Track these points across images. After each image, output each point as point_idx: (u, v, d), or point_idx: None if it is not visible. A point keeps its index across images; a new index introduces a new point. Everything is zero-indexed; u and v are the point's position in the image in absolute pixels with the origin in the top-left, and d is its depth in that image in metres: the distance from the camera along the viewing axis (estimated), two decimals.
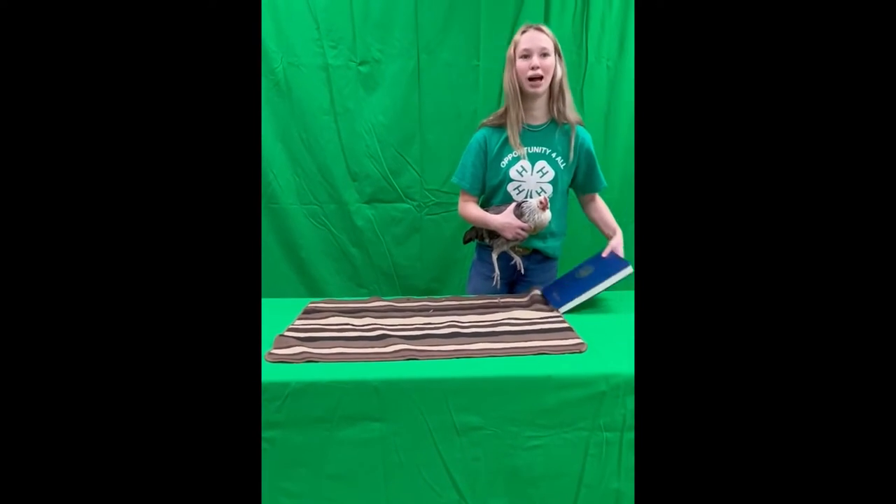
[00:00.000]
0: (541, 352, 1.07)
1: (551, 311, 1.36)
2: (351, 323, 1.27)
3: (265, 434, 0.95)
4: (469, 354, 1.06)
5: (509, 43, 1.44)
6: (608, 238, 1.54)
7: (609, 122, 2.15)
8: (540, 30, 1.46)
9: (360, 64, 2.06)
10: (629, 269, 1.34)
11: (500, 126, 1.54)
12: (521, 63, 1.45)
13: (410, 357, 1.05)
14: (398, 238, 2.19)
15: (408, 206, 2.16)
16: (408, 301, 1.49)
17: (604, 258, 1.46)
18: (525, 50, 1.44)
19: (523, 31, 1.47)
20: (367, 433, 0.96)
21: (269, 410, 0.94)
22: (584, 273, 1.45)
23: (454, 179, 1.61)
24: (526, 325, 1.24)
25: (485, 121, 1.57)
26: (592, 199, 1.62)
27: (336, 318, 1.31)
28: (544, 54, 1.43)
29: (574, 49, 2.08)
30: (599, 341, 1.13)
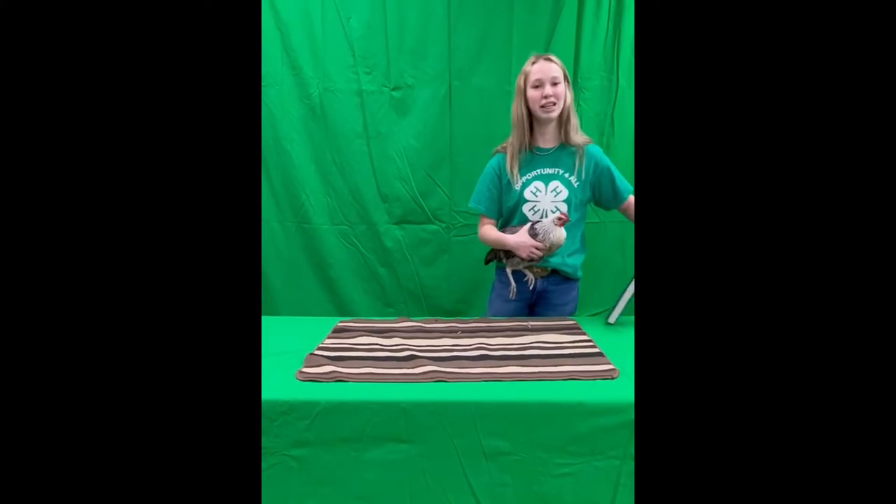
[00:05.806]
0: (571, 377, 1.05)
1: (582, 334, 1.34)
2: (380, 343, 1.27)
3: (293, 452, 0.95)
4: (498, 378, 1.05)
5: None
6: None
7: None
8: (549, 59, 1.52)
9: (394, 89, 2.11)
10: None
11: None
12: (532, 92, 1.51)
13: (439, 379, 1.04)
14: (426, 259, 2.21)
15: (436, 227, 2.18)
16: (436, 322, 1.49)
17: None
18: (537, 80, 1.50)
19: (533, 62, 1.53)
20: (394, 454, 0.95)
21: (298, 429, 0.95)
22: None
23: (471, 204, 1.66)
24: (556, 350, 1.22)
25: (498, 147, 1.64)
26: (629, 205, 1.62)
27: (365, 337, 1.32)
28: (555, 83, 1.49)
29: (605, 74, 2.09)
30: (632, 367, 1.10)
